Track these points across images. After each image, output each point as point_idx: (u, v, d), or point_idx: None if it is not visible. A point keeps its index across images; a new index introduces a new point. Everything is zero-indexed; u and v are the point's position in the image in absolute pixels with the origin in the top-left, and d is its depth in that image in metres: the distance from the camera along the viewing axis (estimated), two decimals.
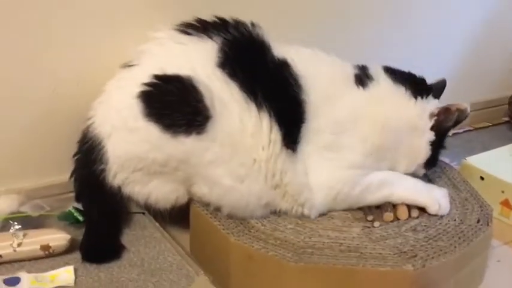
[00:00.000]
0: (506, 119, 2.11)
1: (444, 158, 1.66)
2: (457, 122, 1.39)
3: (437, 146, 1.39)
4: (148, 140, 1.22)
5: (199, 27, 1.28)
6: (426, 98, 1.38)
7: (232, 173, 1.23)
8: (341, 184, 1.30)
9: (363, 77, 1.35)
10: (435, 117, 1.36)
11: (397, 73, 1.38)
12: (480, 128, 2.09)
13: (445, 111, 1.36)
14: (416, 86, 1.37)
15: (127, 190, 1.29)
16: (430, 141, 1.37)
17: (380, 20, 1.81)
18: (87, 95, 1.38)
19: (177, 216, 1.37)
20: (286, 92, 1.26)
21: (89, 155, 1.29)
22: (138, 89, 1.21)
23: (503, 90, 2.11)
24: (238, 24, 1.29)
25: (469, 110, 1.37)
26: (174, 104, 1.20)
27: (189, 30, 1.28)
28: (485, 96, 2.12)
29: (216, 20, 1.30)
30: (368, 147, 1.31)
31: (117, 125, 1.25)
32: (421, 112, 1.36)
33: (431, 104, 1.38)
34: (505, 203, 1.55)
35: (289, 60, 1.28)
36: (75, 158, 1.34)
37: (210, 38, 1.26)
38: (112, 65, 1.38)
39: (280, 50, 1.30)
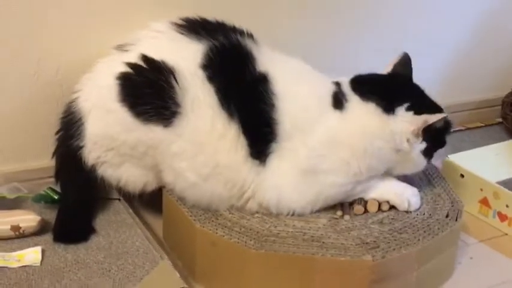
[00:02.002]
0: (500, 120, 2.08)
1: None
2: (446, 122, 1.33)
3: (434, 146, 1.32)
4: (121, 123, 1.26)
5: (192, 28, 1.30)
6: (396, 111, 1.27)
7: (195, 169, 1.25)
8: (321, 202, 1.30)
9: (339, 97, 1.29)
10: (420, 135, 1.28)
11: (365, 86, 1.30)
12: (472, 128, 2.06)
13: (428, 127, 1.27)
14: (387, 98, 1.28)
15: (100, 171, 1.32)
16: (421, 151, 1.30)
17: (372, 19, 1.81)
18: (67, 82, 1.42)
19: (156, 203, 1.40)
20: (258, 108, 1.25)
21: (68, 129, 1.33)
22: (120, 69, 1.25)
23: (497, 91, 2.09)
24: (230, 31, 1.30)
25: (446, 117, 1.30)
26: (147, 95, 1.23)
27: (182, 30, 1.31)
28: (478, 97, 2.10)
29: (211, 23, 1.32)
30: (350, 171, 1.27)
31: (97, 102, 1.29)
32: (398, 135, 1.27)
33: (406, 120, 1.27)
34: (484, 201, 1.54)
35: (270, 77, 1.26)
36: (57, 135, 1.37)
37: (199, 40, 1.28)
38: (92, 52, 1.41)
39: (266, 63, 1.28)
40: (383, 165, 1.30)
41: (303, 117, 1.27)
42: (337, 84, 1.32)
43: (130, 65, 1.25)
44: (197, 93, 1.24)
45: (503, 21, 2.06)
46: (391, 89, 1.33)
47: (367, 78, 1.34)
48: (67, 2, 1.41)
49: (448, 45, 2.00)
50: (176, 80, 1.23)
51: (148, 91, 1.23)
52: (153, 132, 1.24)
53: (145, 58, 1.25)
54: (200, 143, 1.24)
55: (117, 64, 1.27)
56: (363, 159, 1.26)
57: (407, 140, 1.27)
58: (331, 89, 1.31)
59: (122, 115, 1.25)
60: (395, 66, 1.38)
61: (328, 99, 1.29)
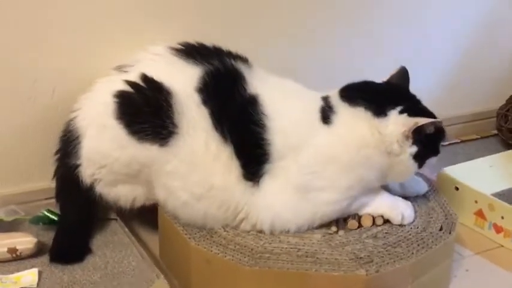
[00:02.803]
0: (496, 132, 2.09)
1: (425, 169, 1.67)
2: (439, 129, 1.32)
3: (425, 151, 1.31)
4: (116, 140, 1.27)
5: (189, 53, 1.33)
6: (389, 114, 1.28)
7: (188, 189, 1.26)
8: (319, 219, 1.31)
9: (326, 112, 1.30)
10: (410, 137, 1.27)
11: (354, 92, 1.31)
12: (467, 140, 2.08)
13: (418, 129, 1.26)
14: (378, 102, 1.29)
15: (97, 189, 1.33)
16: (412, 155, 1.29)
17: (367, 31, 1.83)
18: (63, 104, 1.44)
19: (152, 221, 1.41)
20: (250, 130, 1.26)
21: (66, 148, 1.35)
22: (118, 87, 1.27)
23: (492, 103, 2.10)
24: (225, 56, 1.33)
25: (438, 122, 1.30)
26: (145, 114, 1.25)
27: (180, 54, 1.33)
28: (473, 109, 2.12)
29: (207, 47, 1.35)
30: (343, 185, 1.28)
31: (93, 119, 1.31)
32: (388, 137, 1.27)
33: (397, 122, 1.27)
34: (479, 213, 1.54)
35: (261, 99, 1.28)
36: (57, 155, 1.39)
37: (196, 64, 1.31)
38: (87, 74, 1.43)
39: (258, 85, 1.30)
40: (374, 173, 1.29)
41: (294, 136, 1.28)
42: (326, 98, 1.33)
43: (129, 83, 1.27)
44: (193, 116, 1.26)
45: (497, 33, 2.08)
46: (384, 93, 1.34)
47: (357, 85, 1.35)
48: (62, 23, 1.42)
49: (442, 58, 2.02)
50: (174, 101, 1.24)
51: (147, 110, 1.25)
52: (148, 151, 1.25)
53: (144, 77, 1.27)
54: (195, 163, 1.25)
55: (115, 83, 1.29)
56: (351, 172, 1.27)
57: (397, 142, 1.27)
58: (320, 104, 1.32)
59: (117, 132, 1.26)
60: (392, 77, 1.39)
61: (317, 116, 1.30)
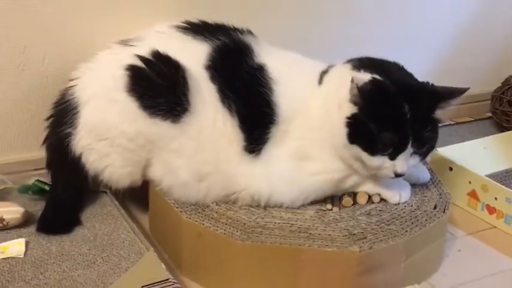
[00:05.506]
0: (490, 114, 2.08)
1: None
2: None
3: (364, 120, 1.18)
4: (125, 113, 1.24)
5: (194, 30, 1.32)
6: (361, 70, 1.24)
7: (191, 168, 1.25)
8: (313, 193, 1.29)
9: (322, 75, 1.31)
10: (354, 93, 1.18)
11: (356, 59, 1.30)
12: (462, 122, 2.07)
13: (352, 81, 1.17)
14: (363, 62, 1.27)
15: (84, 159, 1.30)
16: (346, 117, 1.20)
17: (362, 13, 1.81)
18: (54, 72, 1.42)
19: (143, 195, 1.38)
20: (256, 95, 1.26)
21: (61, 117, 1.32)
22: (130, 61, 1.24)
23: (487, 85, 2.09)
24: (230, 30, 1.33)
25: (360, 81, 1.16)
26: (161, 89, 1.23)
27: (186, 31, 1.32)
28: (468, 91, 2.09)
29: (211, 24, 1.35)
30: (323, 154, 1.27)
31: (99, 92, 1.27)
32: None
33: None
34: (472, 194, 1.53)
35: (267, 66, 1.29)
36: (48, 122, 1.35)
37: (203, 40, 1.30)
38: (79, 42, 1.42)
39: (264, 53, 1.31)
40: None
41: (297, 100, 1.28)
42: (331, 66, 1.34)
43: (142, 59, 1.24)
44: (203, 93, 1.25)
45: (493, 16, 2.06)
46: (384, 66, 1.27)
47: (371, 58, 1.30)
48: None
49: (438, 40, 2.00)
50: (189, 78, 1.23)
51: (164, 84, 1.22)
52: (158, 126, 1.23)
53: (157, 53, 1.25)
54: (202, 141, 1.24)
55: (124, 57, 1.26)
56: (327, 138, 1.25)
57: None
58: (321, 70, 1.33)
59: (127, 105, 1.23)
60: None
61: (316, 81, 1.31)
